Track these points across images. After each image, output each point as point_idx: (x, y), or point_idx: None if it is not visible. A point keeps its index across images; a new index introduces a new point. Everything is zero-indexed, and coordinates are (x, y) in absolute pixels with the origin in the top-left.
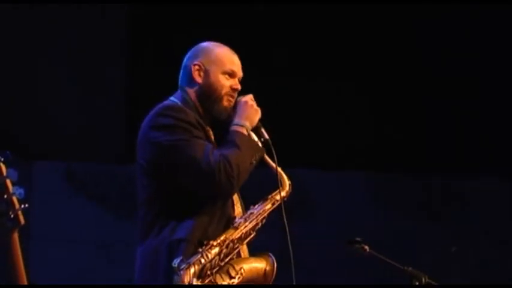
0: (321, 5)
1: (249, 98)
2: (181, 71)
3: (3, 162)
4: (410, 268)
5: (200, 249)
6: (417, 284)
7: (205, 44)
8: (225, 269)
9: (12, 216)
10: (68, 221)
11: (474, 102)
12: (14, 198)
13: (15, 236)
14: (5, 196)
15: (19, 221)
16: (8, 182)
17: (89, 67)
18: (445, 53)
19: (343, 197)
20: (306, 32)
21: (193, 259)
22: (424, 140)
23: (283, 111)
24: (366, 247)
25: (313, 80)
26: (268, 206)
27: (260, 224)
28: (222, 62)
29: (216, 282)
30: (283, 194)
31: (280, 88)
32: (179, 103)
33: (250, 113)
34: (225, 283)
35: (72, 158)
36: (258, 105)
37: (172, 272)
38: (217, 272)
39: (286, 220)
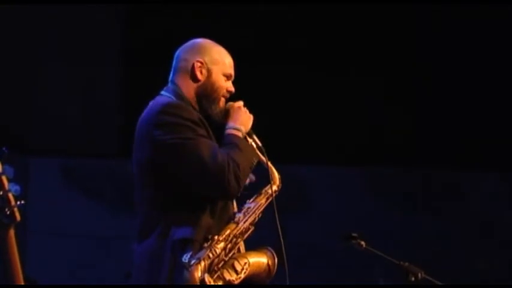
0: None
1: (241, 104)
2: (176, 65)
3: None
4: (406, 263)
5: (206, 244)
6: (413, 279)
7: (203, 41)
8: (230, 263)
9: (8, 212)
10: (65, 216)
11: (474, 95)
12: (10, 195)
13: (12, 232)
14: (1, 193)
15: (15, 218)
16: (4, 178)
17: (85, 63)
18: (443, 47)
19: (339, 192)
20: (307, 27)
21: (203, 254)
22: (422, 134)
23: (280, 107)
24: (362, 243)
25: (310, 76)
26: (262, 201)
27: (257, 218)
28: (223, 64)
29: (223, 277)
30: (274, 188)
31: (278, 84)
32: (174, 99)
33: (244, 118)
34: (232, 278)
35: (69, 153)
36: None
37: (183, 267)
38: (222, 267)
39: (279, 215)
